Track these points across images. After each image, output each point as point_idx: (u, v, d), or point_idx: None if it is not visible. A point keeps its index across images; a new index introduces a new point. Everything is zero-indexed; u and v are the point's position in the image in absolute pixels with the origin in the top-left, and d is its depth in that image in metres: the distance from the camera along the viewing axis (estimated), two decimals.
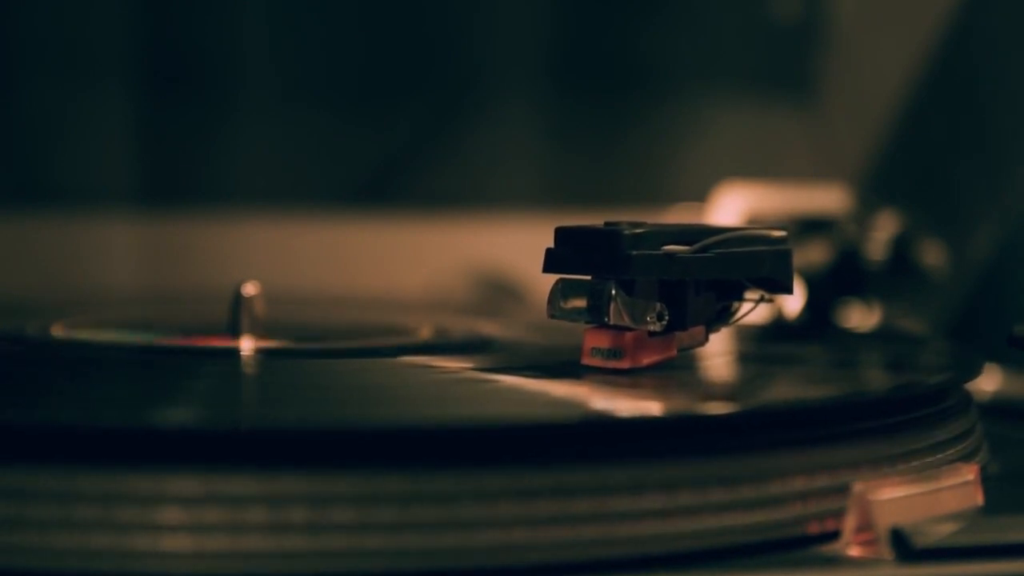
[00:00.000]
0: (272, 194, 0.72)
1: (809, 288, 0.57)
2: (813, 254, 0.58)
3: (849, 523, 0.31)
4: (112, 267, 0.70)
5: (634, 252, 0.35)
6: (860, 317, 0.57)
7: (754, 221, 0.60)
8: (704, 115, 0.75)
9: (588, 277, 0.36)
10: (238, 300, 0.43)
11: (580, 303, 0.36)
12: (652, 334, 0.37)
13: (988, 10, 0.67)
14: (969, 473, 0.33)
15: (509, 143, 0.74)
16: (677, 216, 0.67)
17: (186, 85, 0.71)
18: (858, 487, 0.31)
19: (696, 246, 0.36)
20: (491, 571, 0.29)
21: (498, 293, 0.69)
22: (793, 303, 0.56)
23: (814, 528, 0.32)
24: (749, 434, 0.32)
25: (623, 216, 0.38)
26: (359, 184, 0.74)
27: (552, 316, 0.37)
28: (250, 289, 0.43)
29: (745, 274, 0.38)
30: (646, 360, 0.37)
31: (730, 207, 0.62)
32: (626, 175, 0.76)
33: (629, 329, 0.36)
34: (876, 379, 0.42)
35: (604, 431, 0.31)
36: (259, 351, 0.42)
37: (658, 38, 0.75)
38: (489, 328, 0.48)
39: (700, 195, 0.67)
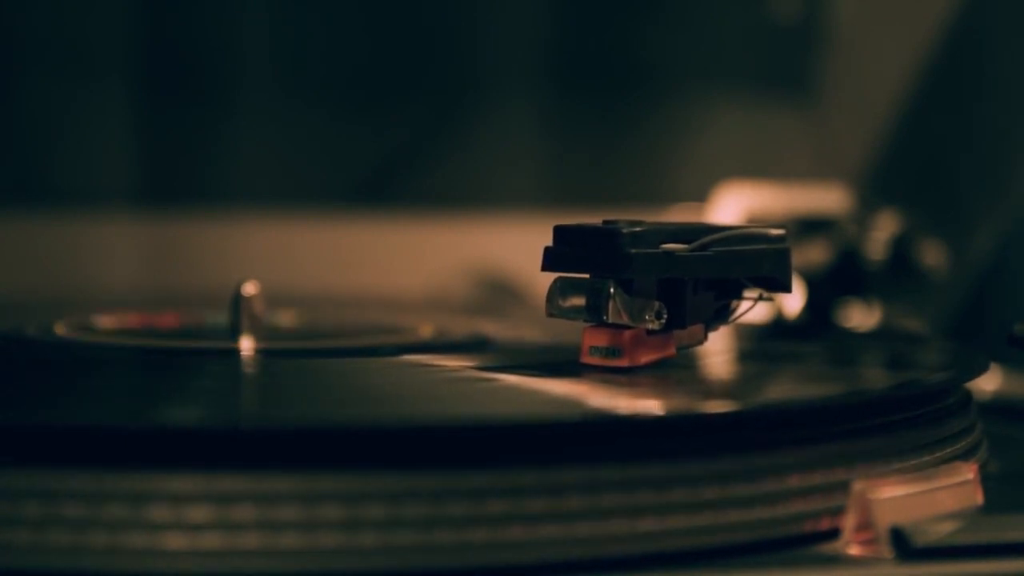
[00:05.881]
0: (272, 194, 0.72)
1: (809, 288, 0.57)
2: (813, 254, 0.58)
3: (849, 522, 0.31)
4: (112, 267, 0.70)
5: (633, 250, 0.35)
6: (860, 317, 0.57)
7: (754, 221, 0.60)
8: (704, 115, 0.76)
9: (587, 275, 0.36)
10: (238, 300, 0.43)
11: (579, 301, 0.36)
12: (651, 333, 0.37)
13: (988, 10, 0.67)
14: (969, 472, 0.33)
15: (509, 143, 0.74)
16: (677, 216, 0.67)
17: (186, 85, 0.71)
18: (858, 486, 0.31)
19: (695, 244, 0.36)
20: (491, 570, 0.29)
21: (498, 293, 0.69)
22: (793, 302, 0.56)
23: (814, 526, 0.32)
24: (749, 433, 0.32)
25: (623, 216, 0.38)
26: (359, 184, 0.74)
27: (550, 315, 0.37)
28: (250, 289, 0.43)
29: (744, 273, 0.38)
30: (645, 359, 0.37)
31: (730, 207, 0.62)
32: (626, 175, 0.76)
33: (628, 328, 0.36)
34: (876, 378, 0.42)
35: (602, 430, 0.31)
36: (259, 351, 0.42)
37: (658, 38, 0.75)
38: (489, 328, 0.48)
39: (700, 195, 0.67)
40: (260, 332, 0.43)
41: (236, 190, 0.72)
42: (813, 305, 0.57)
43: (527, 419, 0.31)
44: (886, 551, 0.30)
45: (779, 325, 0.55)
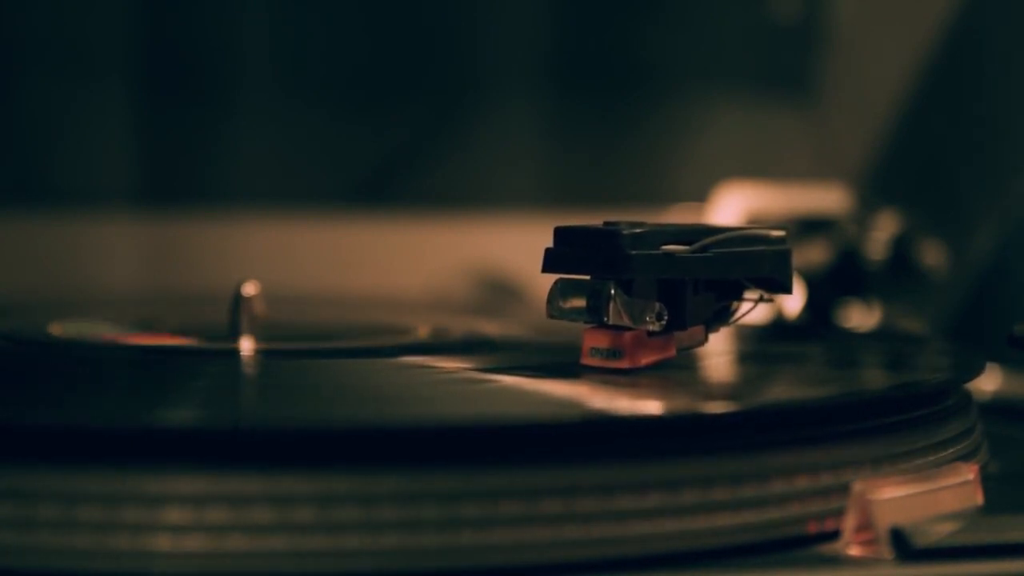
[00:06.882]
0: (272, 194, 0.72)
1: (809, 288, 0.57)
2: (813, 254, 0.58)
3: (849, 522, 0.31)
4: (112, 267, 0.70)
5: (633, 252, 0.35)
6: (860, 317, 0.57)
7: (754, 221, 0.60)
8: (704, 115, 0.76)
9: (587, 277, 0.36)
10: (238, 300, 0.43)
11: (579, 303, 0.36)
12: (651, 334, 0.37)
13: (988, 10, 0.67)
14: (969, 473, 0.33)
15: (509, 143, 0.74)
16: (677, 216, 0.67)
17: (186, 85, 0.71)
18: (858, 487, 0.31)
19: (695, 246, 0.36)
20: (490, 570, 0.29)
21: (498, 293, 0.69)
22: (793, 303, 0.56)
23: (814, 527, 0.32)
24: (748, 434, 0.32)
25: (623, 216, 0.38)
26: (359, 184, 0.74)
27: (551, 316, 0.37)
28: (250, 289, 0.43)
29: (744, 274, 0.38)
30: (645, 360, 0.36)
31: (730, 207, 0.62)
32: (626, 175, 0.76)
33: (628, 329, 0.36)
34: (876, 379, 0.42)
35: (602, 431, 0.31)
36: (259, 351, 0.42)
37: (658, 38, 0.75)
38: (489, 328, 0.48)
39: (700, 195, 0.67)
40: (260, 332, 0.43)
41: (236, 190, 0.72)
42: (813, 305, 0.57)
43: (527, 420, 0.31)
44: (886, 552, 0.30)
45: (779, 325, 0.55)
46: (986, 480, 0.34)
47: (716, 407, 0.34)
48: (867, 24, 0.74)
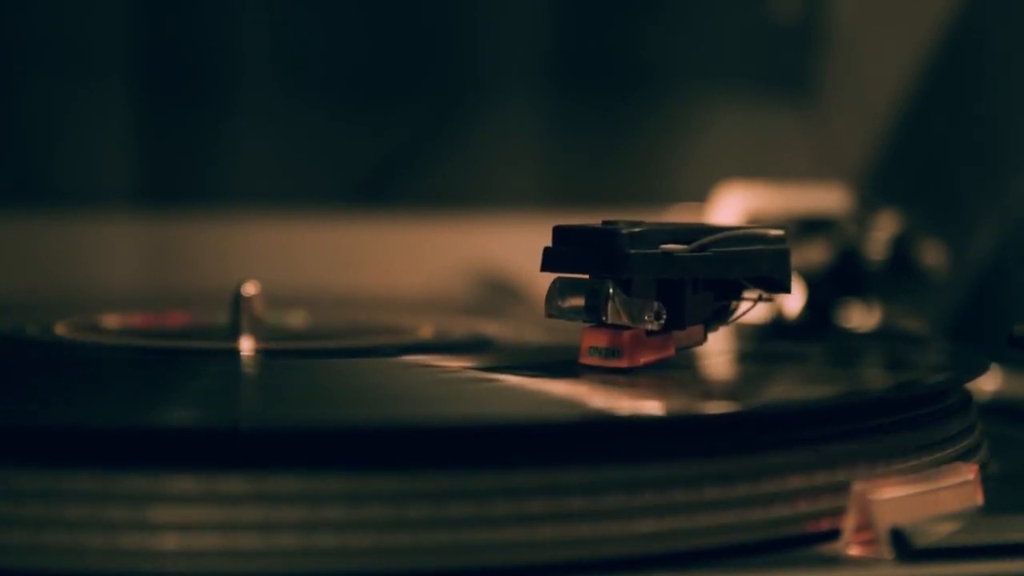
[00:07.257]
0: (272, 194, 0.72)
1: (809, 288, 0.57)
2: (813, 254, 0.58)
3: (849, 522, 0.31)
4: (112, 267, 0.70)
5: (632, 251, 0.35)
6: (860, 317, 0.57)
7: (754, 221, 0.60)
8: (704, 115, 0.75)
9: (586, 276, 0.36)
10: (238, 300, 0.43)
11: (578, 302, 0.36)
12: (650, 333, 0.37)
13: (988, 10, 0.67)
14: (969, 473, 0.33)
15: (509, 143, 0.74)
16: (677, 216, 0.67)
17: (186, 85, 0.71)
18: (858, 486, 0.31)
19: (694, 245, 0.36)
20: (490, 571, 0.29)
21: (498, 293, 0.69)
22: (793, 303, 0.56)
23: (814, 527, 0.32)
24: (748, 433, 0.32)
25: (623, 216, 0.38)
26: (359, 184, 0.74)
27: (550, 315, 0.37)
28: (250, 289, 0.43)
29: (743, 273, 0.38)
30: (644, 359, 0.36)
31: (730, 207, 0.62)
32: (626, 175, 0.76)
33: (627, 328, 0.36)
34: (876, 378, 0.42)
35: (602, 430, 0.31)
36: (259, 351, 0.42)
37: (658, 38, 0.75)
38: (489, 328, 0.48)
39: (700, 195, 0.67)
40: (260, 332, 0.43)
41: (236, 190, 0.72)
42: (813, 305, 0.57)
43: (526, 420, 0.31)
44: (886, 552, 0.30)
45: (779, 325, 0.55)
46: (986, 480, 0.34)
47: (715, 407, 0.34)
48: (867, 24, 0.74)
